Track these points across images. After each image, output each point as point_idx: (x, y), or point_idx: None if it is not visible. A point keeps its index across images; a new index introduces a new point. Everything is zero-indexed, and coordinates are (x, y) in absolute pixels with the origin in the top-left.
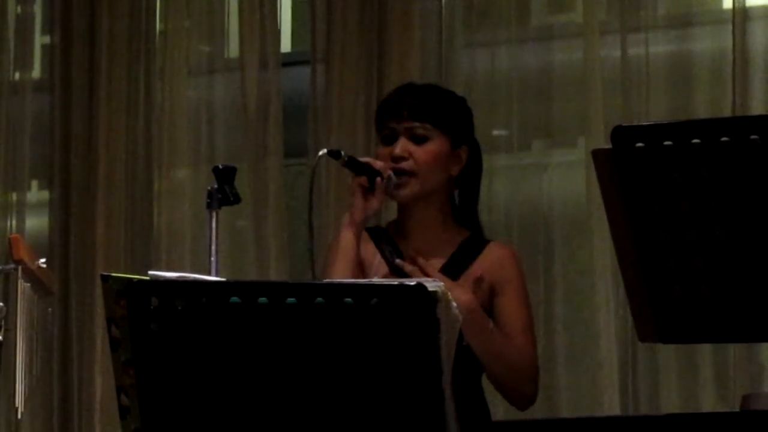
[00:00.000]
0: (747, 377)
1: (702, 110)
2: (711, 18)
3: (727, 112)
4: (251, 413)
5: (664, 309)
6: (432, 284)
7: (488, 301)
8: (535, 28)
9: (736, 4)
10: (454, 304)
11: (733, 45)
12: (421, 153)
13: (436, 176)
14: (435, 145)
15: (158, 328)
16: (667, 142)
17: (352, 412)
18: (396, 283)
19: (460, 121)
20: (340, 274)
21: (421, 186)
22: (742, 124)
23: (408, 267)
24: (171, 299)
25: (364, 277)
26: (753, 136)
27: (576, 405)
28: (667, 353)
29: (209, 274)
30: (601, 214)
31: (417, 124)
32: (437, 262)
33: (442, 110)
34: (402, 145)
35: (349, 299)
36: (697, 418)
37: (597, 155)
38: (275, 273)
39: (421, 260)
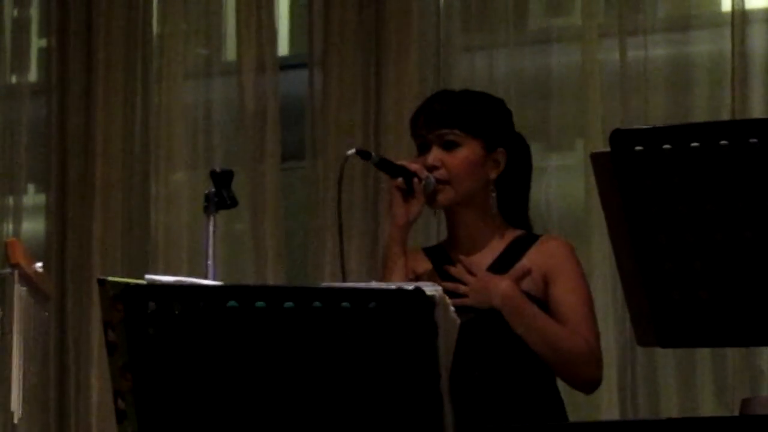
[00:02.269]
0: (746, 381)
1: (701, 113)
2: (710, 21)
3: (726, 116)
4: (249, 417)
5: (662, 313)
6: (430, 288)
7: (543, 293)
8: (533, 31)
9: (735, 7)
10: (452, 308)
11: (732, 48)
12: (453, 160)
13: (472, 181)
14: (466, 151)
15: (155, 333)
16: (666, 146)
17: (350, 417)
18: (394, 287)
19: (493, 124)
20: None
21: (457, 193)
22: (741, 128)
23: (453, 270)
24: (168, 303)
25: None
26: (752, 140)
27: (574, 409)
28: (666, 357)
29: (206, 277)
30: (600, 218)
31: (446, 130)
32: (485, 262)
33: (470, 115)
34: (434, 154)
35: (347, 303)
36: (696, 422)
37: (595, 158)
38: (272, 276)
39: (465, 260)
